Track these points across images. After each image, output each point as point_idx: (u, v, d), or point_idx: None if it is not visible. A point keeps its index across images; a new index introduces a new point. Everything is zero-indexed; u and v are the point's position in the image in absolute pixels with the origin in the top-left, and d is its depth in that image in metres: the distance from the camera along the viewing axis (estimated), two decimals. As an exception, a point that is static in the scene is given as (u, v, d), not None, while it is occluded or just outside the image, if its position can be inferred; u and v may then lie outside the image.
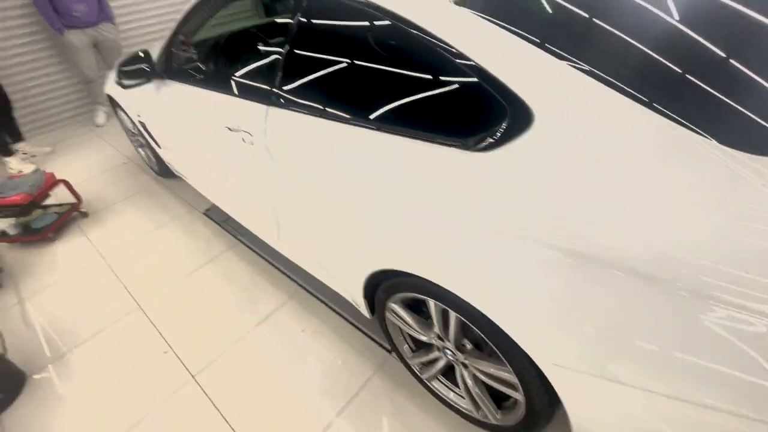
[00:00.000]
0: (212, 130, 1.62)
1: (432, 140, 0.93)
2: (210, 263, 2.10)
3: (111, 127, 3.84)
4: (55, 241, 2.43)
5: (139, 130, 2.58)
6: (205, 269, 2.07)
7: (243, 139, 1.39)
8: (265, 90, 1.32)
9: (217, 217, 2.42)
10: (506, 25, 0.88)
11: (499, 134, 0.83)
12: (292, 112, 1.24)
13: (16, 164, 3.18)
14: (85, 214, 2.61)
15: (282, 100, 1.27)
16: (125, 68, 1.83)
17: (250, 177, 1.53)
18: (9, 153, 3.18)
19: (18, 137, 3.34)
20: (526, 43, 0.84)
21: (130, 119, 2.59)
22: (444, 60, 0.91)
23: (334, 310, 1.74)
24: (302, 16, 1.21)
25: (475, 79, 0.87)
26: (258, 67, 1.47)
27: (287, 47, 1.26)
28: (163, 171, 2.77)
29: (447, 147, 0.90)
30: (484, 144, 0.85)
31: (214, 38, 2.02)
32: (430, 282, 0.99)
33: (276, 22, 1.75)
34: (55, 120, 3.93)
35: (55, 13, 3.21)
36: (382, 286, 1.21)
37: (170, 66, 1.87)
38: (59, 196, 2.61)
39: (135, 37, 4.10)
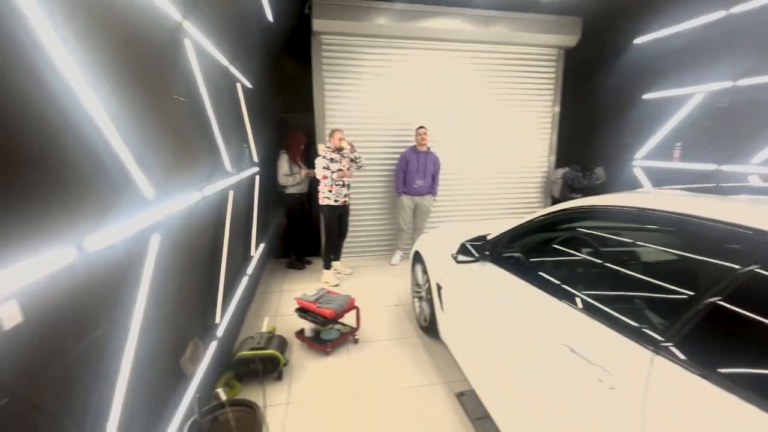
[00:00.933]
0: (536, 337, 1.42)
1: None
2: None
3: (397, 269, 4.50)
4: (329, 354, 2.70)
5: (428, 288, 2.78)
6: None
7: (600, 380, 1.09)
8: (653, 331, 1.03)
9: (470, 408, 2.11)
10: None
11: None
12: (701, 379, 0.86)
13: (327, 277, 4.05)
14: (356, 340, 2.87)
15: (687, 358, 0.92)
16: (468, 243, 1.98)
17: (582, 417, 1.17)
18: (329, 267, 4.12)
19: (337, 257, 4.34)
20: None
21: (425, 276, 2.86)
22: None
23: None
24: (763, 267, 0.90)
25: None
26: (647, 297, 1.21)
27: (714, 295, 0.95)
28: (429, 329, 2.84)
29: None
30: None
31: (576, 240, 1.70)
32: None
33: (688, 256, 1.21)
34: (363, 249, 5.00)
35: (403, 182, 4.33)
36: None
37: (501, 253, 1.90)
38: (346, 316, 3.01)
39: (441, 208, 4.97)
